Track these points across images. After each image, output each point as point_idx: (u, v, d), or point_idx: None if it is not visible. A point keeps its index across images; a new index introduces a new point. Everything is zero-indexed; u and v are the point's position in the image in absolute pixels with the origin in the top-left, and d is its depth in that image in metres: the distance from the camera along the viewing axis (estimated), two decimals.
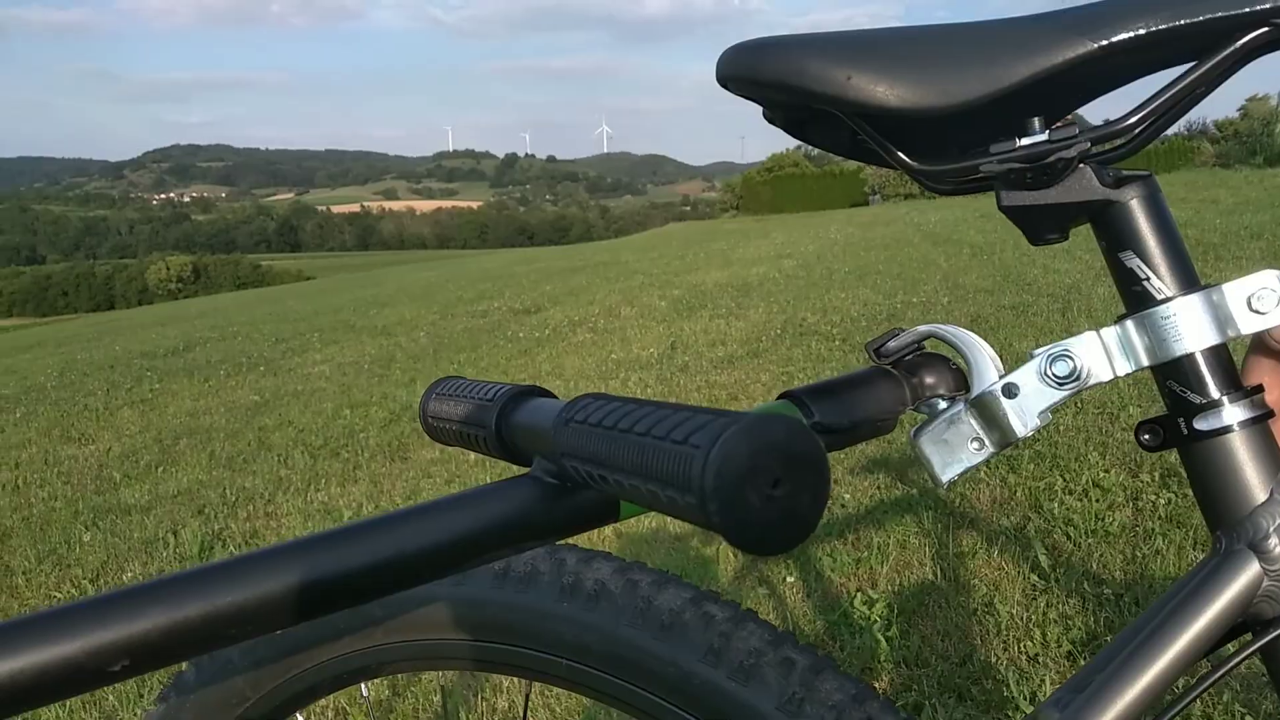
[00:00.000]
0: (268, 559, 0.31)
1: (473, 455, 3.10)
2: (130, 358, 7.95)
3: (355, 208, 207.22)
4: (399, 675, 1.25)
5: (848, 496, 2.66)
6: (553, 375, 4.71)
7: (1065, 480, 2.53)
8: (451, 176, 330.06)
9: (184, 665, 0.57)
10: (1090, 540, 1.98)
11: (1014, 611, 1.78)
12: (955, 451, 0.43)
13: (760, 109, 0.46)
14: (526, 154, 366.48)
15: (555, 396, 0.38)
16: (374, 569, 0.32)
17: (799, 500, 0.26)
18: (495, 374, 5.08)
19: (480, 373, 5.14)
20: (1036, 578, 1.91)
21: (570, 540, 0.39)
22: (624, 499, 0.31)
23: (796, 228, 16.56)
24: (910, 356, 0.46)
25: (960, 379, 0.45)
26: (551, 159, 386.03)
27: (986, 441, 0.42)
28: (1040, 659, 1.64)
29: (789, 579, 2.15)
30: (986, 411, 0.42)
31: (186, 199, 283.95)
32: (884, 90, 0.39)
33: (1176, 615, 0.38)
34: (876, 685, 1.71)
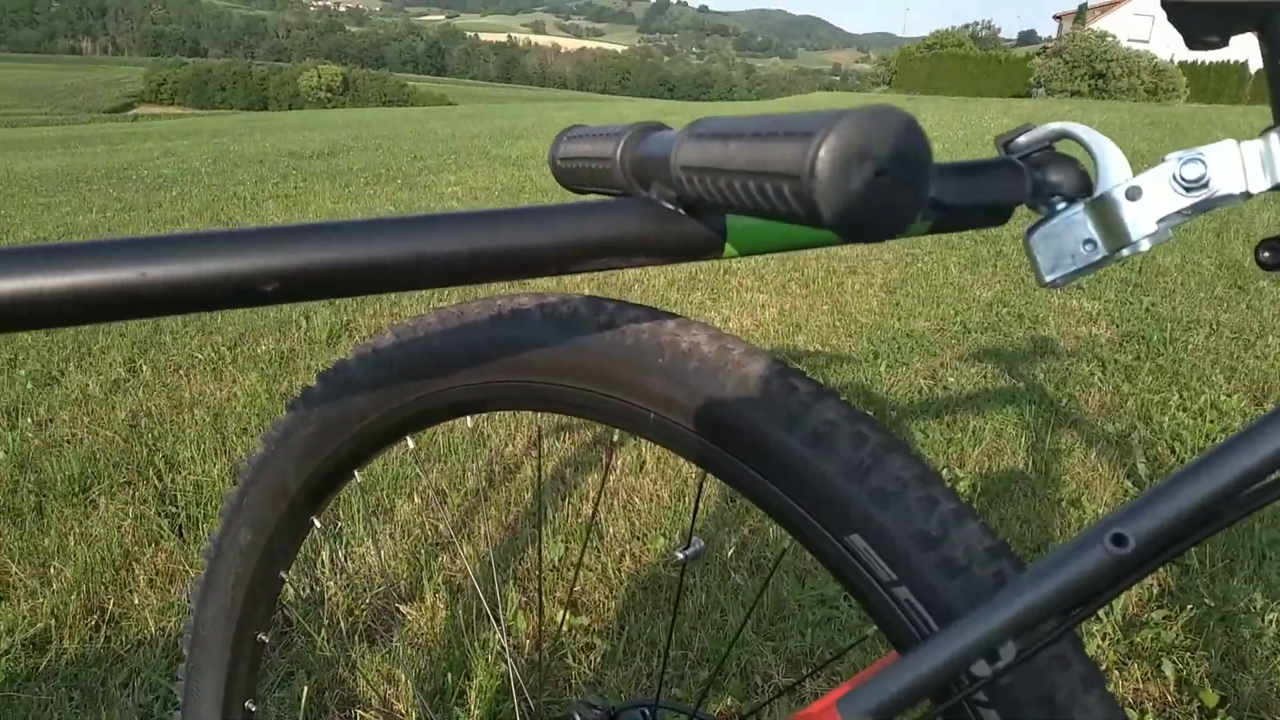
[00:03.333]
0: (405, 225, 0.38)
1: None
2: (278, 155, 9.13)
3: (502, 38, 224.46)
4: (501, 413, 1.25)
5: (952, 380, 2.81)
6: None
7: (1182, 397, 2.67)
8: (600, 16, 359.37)
9: (313, 380, 0.67)
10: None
11: (1100, 511, 1.96)
12: (1066, 251, 0.45)
13: None
14: (679, 1, 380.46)
15: None
16: (493, 253, 0.39)
17: (899, 192, 0.30)
18: None
19: None
20: (1131, 484, 2.02)
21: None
22: (734, 208, 0.35)
23: (948, 111, 16.88)
24: (1038, 153, 0.48)
25: (1085, 181, 0.46)
26: (704, 9, 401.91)
27: (1100, 244, 0.44)
28: None
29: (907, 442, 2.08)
30: (1105, 213, 0.44)
31: (342, 9, 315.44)
32: None
33: (1260, 430, 0.39)
34: None
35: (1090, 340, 3.17)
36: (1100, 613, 1.56)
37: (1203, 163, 0.41)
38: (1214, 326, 3.33)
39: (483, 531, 1.87)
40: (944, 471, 2.10)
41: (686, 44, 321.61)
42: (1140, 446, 2.26)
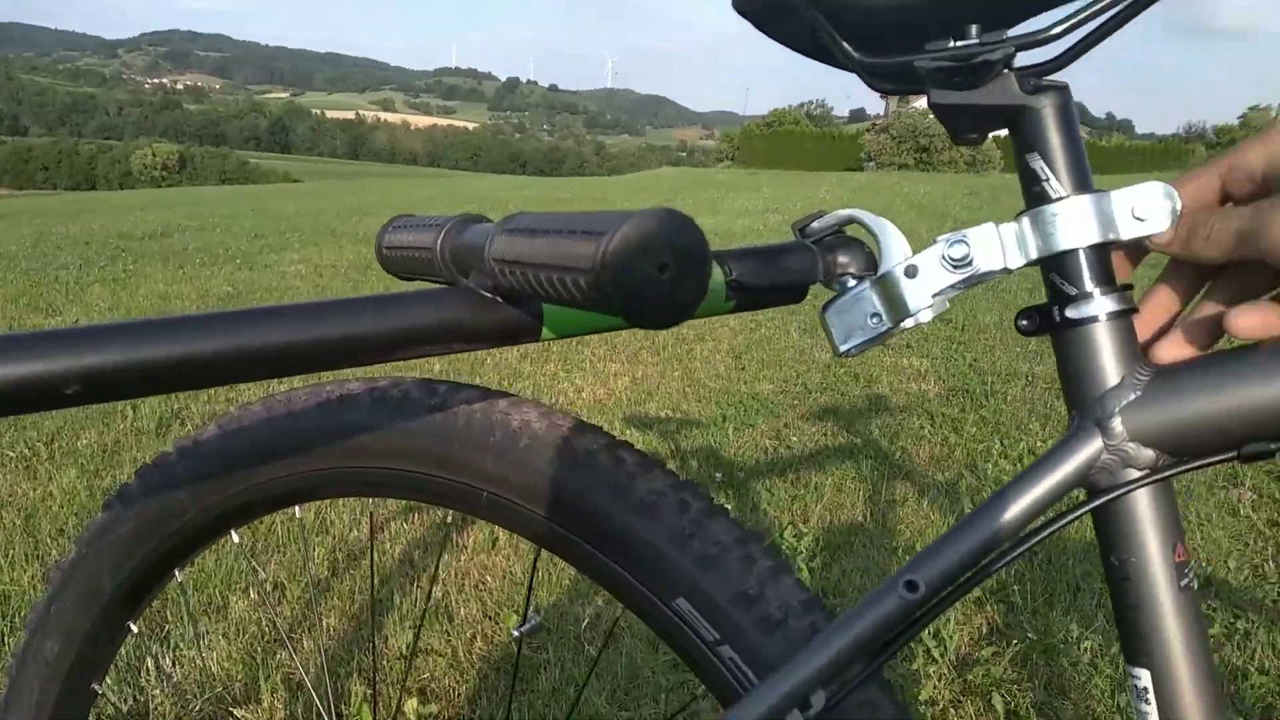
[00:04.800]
0: (215, 320, 0.38)
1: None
2: (107, 237, 8.55)
3: (350, 115, 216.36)
4: (335, 500, 1.36)
5: (795, 439, 2.91)
6: None
7: (1003, 445, 2.83)
8: (450, 94, 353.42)
9: (130, 476, 0.65)
10: None
11: None
12: (856, 324, 0.49)
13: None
14: (529, 80, 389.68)
15: None
16: (315, 344, 0.40)
17: (681, 284, 0.34)
18: None
19: None
20: None
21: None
22: (542, 297, 0.38)
23: (788, 185, 17.83)
24: (829, 237, 0.53)
25: (871, 261, 0.51)
26: (554, 88, 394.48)
27: (884, 317, 0.49)
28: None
29: (726, 507, 1.97)
30: (888, 289, 0.48)
31: (180, 86, 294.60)
32: None
33: (1026, 479, 0.46)
34: None
35: (920, 396, 3.38)
36: (936, 653, 1.64)
37: (966, 243, 0.46)
38: (1029, 378, 3.59)
39: (325, 624, 1.79)
40: (789, 528, 2.17)
41: (537, 122, 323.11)
42: (967, 494, 2.40)
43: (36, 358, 0.35)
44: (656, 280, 0.34)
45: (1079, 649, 1.67)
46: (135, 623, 0.72)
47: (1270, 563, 2.02)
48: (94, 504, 2.33)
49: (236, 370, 0.40)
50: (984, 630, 1.77)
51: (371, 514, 2.29)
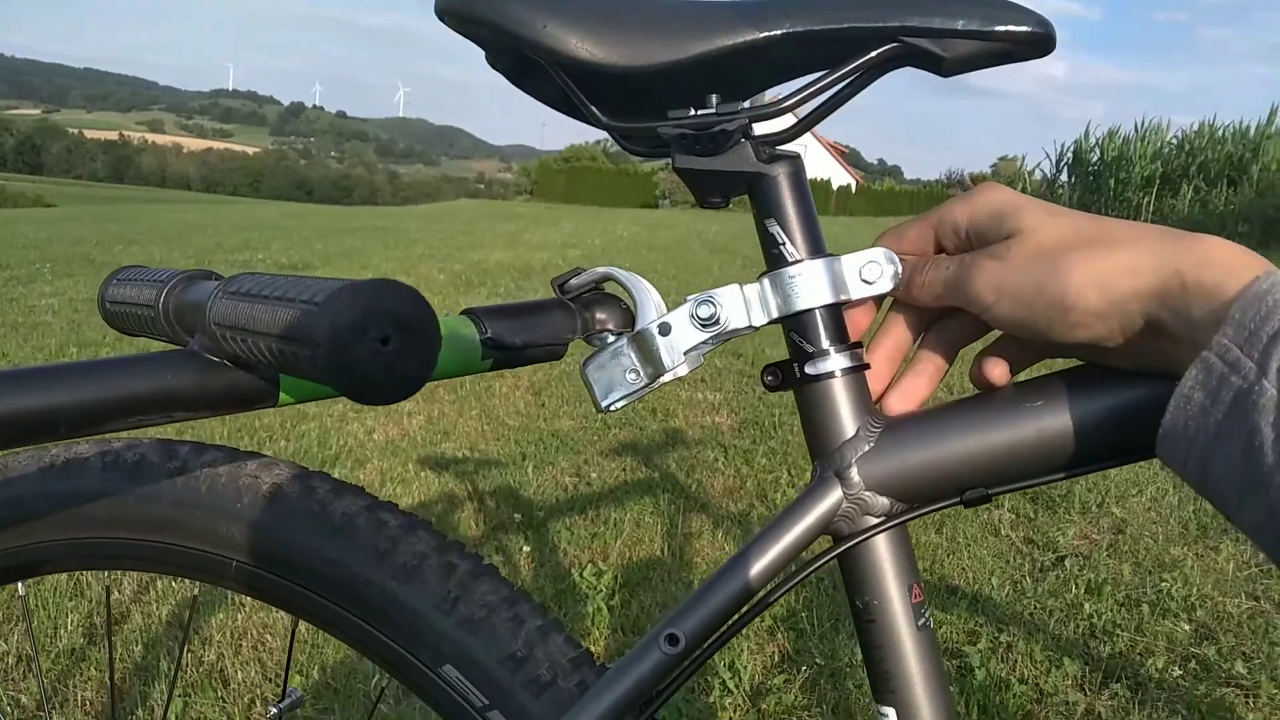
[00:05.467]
0: None
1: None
2: None
3: (113, 135, 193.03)
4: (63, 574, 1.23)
5: (595, 476, 2.91)
6: None
7: (791, 475, 2.91)
8: (228, 117, 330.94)
9: None
10: None
11: None
12: (615, 380, 0.50)
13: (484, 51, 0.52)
14: (315, 105, 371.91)
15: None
16: (18, 415, 0.36)
17: (406, 358, 0.33)
18: None
19: None
20: None
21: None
22: (264, 365, 0.37)
23: (586, 220, 18.13)
24: (587, 294, 0.54)
25: (628, 317, 0.53)
26: (342, 114, 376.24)
27: (641, 373, 0.50)
28: (744, 633, 1.88)
29: (525, 548, 2.32)
30: (644, 346, 0.50)
31: None
32: (576, 43, 0.46)
33: (774, 529, 0.48)
34: (592, 648, 1.82)
35: (714, 429, 3.48)
36: (731, 685, 1.69)
37: (713, 303, 0.49)
38: None
39: (79, 697, 1.61)
40: (589, 567, 2.18)
41: (325, 148, 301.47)
42: (759, 523, 2.49)
43: None
44: (379, 354, 0.33)
45: (863, 672, 1.77)
46: None
47: (1028, 578, 2.21)
48: None
49: None
50: (776, 658, 1.84)
51: (108, 589, 2.07)
